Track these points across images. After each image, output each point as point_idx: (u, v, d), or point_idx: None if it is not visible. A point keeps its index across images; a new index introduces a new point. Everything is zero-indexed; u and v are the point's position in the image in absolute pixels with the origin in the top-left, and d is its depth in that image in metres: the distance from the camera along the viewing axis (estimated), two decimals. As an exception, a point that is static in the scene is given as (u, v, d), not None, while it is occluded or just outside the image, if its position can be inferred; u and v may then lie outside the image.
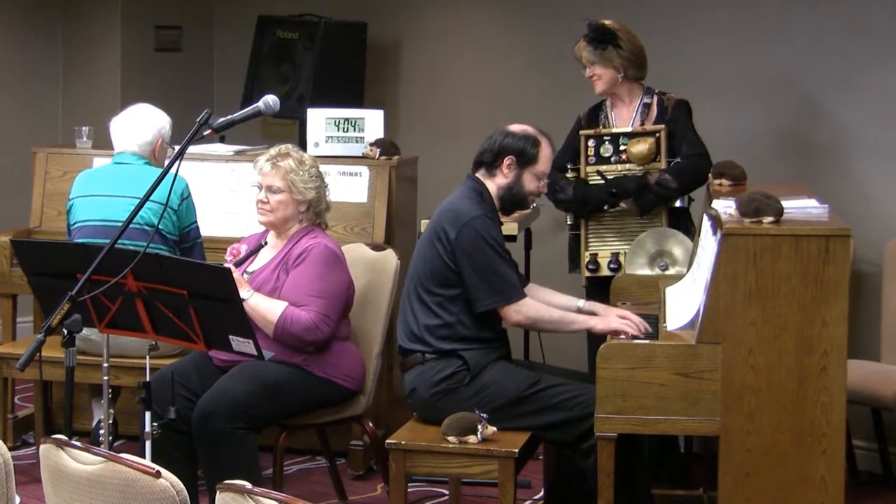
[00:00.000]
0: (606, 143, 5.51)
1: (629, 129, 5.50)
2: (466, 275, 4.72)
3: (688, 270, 4.97)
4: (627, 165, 5.46)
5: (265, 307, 4.92)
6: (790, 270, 4.14)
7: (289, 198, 5.06)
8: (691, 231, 5.46)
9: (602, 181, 5.47)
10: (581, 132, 5.58)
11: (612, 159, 5.49)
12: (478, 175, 4.90)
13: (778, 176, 5.96)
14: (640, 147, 5.43)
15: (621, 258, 5.48)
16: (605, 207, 5.49)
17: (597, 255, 5.54)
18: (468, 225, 4.73)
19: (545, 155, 4.89)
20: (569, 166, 5.55)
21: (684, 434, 5.20)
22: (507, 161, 4.86)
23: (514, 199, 4.90)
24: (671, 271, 5.27)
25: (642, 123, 5.52)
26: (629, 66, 5.50)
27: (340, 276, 5.03)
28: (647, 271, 5.32)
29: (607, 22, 5.51)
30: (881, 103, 6.00)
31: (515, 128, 4.92)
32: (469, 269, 4.71)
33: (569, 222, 5.63)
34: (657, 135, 5.44)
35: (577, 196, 5.51)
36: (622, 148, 5.50)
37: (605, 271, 5.51)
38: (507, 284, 4.73)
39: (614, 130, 5.53)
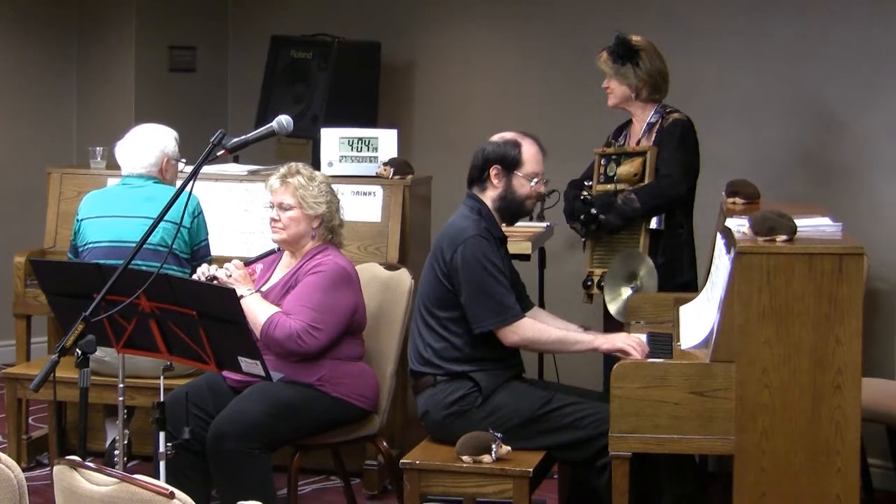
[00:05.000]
0: (612, 161, 5.50)
1: (627, 149, 5.48)
2: (463, 297, 4.70)
3: (701, 288, 4.97)
4: (620, 185, 5.42)
5: (258, 309, 4.92)
6: (804, 289, 4.13)
7: (300, 214, 5.07)
8: (677, 252, 5.42)
9: (589, 198, 5.45)
10: (595, 150, 5.57)
11: (614, 178, 5.46)
12: (474, 191, 4.89)
13: (795, 194, 5.95)
14: (627, 167, 5.40)
15: None
16: (582, 218, 5.42)
17: (593, 272, 5.53)
18: (463, 246, 4.70)
19: (529, 155, 4.83)
20: (586, 183, 5.55)
21: (699, 453, 5.18)
22: (493, 171, 4.83)
23: (510, 208, 4.85)
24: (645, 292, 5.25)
25: (639, 143, 5.50)
26: (643, 87, 5.45)
27: (346, 295, 5.00)
28: (624, 291, 5.29)
29: (635, 38, 5.46)
30: (898, 121, 6.01)
31: (495, 137, 4.90)
32: (464, 291, 4.69)
33: (582, 238, 5.62)
34: (647, 154, 5.41)
35: (565, 210, 5.54)
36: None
37: (594, 289, 5.48)
38: (502, 306, 4.69)
39: (616, 150, 5.51)
